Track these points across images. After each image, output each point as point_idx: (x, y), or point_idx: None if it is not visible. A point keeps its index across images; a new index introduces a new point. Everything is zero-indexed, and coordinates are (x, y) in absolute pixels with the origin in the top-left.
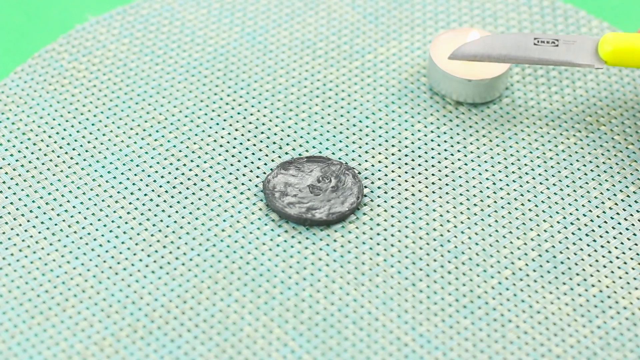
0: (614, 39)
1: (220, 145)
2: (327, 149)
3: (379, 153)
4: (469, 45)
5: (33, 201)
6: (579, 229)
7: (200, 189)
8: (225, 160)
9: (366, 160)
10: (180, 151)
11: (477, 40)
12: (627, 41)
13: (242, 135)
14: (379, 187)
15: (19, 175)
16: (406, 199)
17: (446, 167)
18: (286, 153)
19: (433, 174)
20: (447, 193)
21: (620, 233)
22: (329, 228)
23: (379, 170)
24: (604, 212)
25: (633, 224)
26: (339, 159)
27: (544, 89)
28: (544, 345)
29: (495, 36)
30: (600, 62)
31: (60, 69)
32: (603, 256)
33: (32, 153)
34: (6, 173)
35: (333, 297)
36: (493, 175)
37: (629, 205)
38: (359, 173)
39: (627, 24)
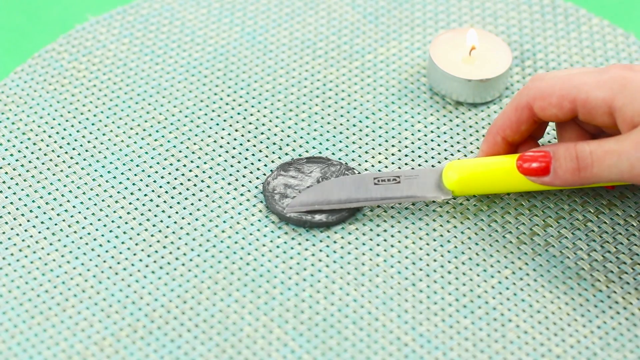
0: (458, 166)
1: (220, 146)
2: (327, 149)
3: (379, 153)
4: (306, 194)
5: (33, 201)
6: (579, 229)
7: (200, 190)
8: (225, 161)
9: (366, 161)
10: (180, 151)
11: (315, 187)
12: (472, 168)
13: (242, 135)
14: None
15: (19, 175)
16: None
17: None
18: (286, 154)
19: None
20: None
21: (620, 233)
22: (329, 229)
23: (379, 171)
24: (603, 212)
25: (633, 225)
26: (339, 159)
27: None
28: (544, 345)
29: (333, 181)
30: (447, 192)
31: (60, 69)
32: (603, 256)
33: (32, 153)
34: (6, 173)
35: (333, 297)
36: None
37: (629, 206)
38: (359, 173)
39: (627, 22)
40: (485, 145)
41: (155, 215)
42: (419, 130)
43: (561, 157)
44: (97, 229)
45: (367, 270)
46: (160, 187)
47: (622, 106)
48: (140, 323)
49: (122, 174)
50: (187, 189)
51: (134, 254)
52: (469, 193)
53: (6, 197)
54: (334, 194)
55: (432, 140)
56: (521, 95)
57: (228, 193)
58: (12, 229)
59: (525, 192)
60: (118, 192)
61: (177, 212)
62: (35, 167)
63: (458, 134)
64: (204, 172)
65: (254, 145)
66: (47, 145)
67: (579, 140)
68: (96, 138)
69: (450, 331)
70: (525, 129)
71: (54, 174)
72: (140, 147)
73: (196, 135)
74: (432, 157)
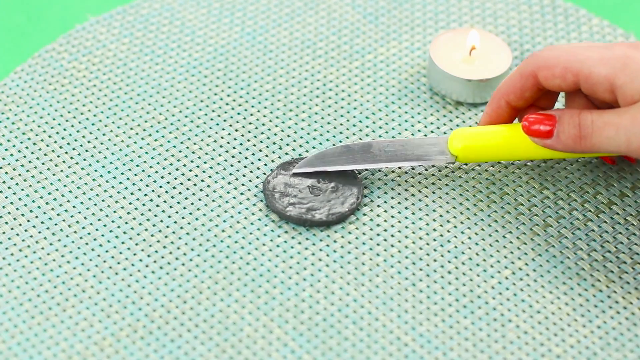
0: (463, 135)
1: (220, 146)
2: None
3: None
4: (314, 156)
5: (33, 201)
6: (579, 228)
7: (200, 189)
8: (225, 160)
9: None
10: (180, 151)
11: (322, 151)
12: (476, 137)
13: (242, 135)
14: (379, 187)
15: (19, 175)
16: (406, 199)
17: (446, 167)
18: (286, 153)
19: (433, 174)
20: (447, 193)
21: (620, 233)
22: (329, 229)
23: (379, 171)
24: (603, 212)
25: (633, 224)
26: None
27: None
28: (544, 345)
29: (340, 146)
30: (452, 157)
31: (60, 69)
32: (603, 256)
33: (32, 153)
34: (6, 173)
35: (333, 297)
36: (493, 175)
37: (629, 205)
38: (359, 173)
39: (627, 22)
40: (489, 108)
41: (155, 215)
42: (419, 130)
43: (565, 122)
44: (97, 229)
45: (367, 270)
46: (160, 187)
47: (622, 84)
48: (140, 323)
49: (122, 174)
50: (187, 189)
51: (134, 254)
52: (472, 160)
53: (6, 197)
54: (341, 158)
55: None
56: (527, 63)
57: (228, 192)
58: (12, 229)
59: (526, 192)
60: (118, 192)
61: (177, 212)
62: (35, 167)
63: None
64: (204, 172)
65: (254, 145)
66: (47, 145)
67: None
68: (96, 138)
69: (450, 331)
70: (529, 95)
71: (54, 174)
72: (140, 147)
73: (196, 135)
74: None
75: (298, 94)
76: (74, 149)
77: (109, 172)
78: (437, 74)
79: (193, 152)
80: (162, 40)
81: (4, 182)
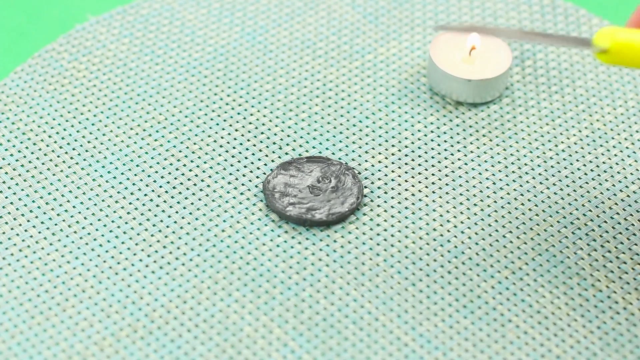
0: (611, 31)
1: (220, 146)
2: (327, 149)
3: (379, 153)
4: (458, 23)
5: (33, 201)
6: (579, 228)
7: (200, 189)
8: (225, 160)
9: (366, 160)
10: (180, 151)
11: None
12: (630, 33)
13: (242, 135)
14: (379, 187)
15: (19, 175)
16: (406, 199)
17: (446, 167)
18: (286, 153)
19: (433, 174)
20: (447, 193)
21: (620, 233)
22: (329, 228)
23: (379, 170)
24: (603, 212)
25: (633, 224)
26: (339, 159)
27: (544, 88)
28: (544, 346)
29: (469, 23)
30: (597, 48)
31: (60, 69)
32: (603, 256)
33: (32, 153)
34: (6, 173)
35: (333, 297)
36: (493, 175)
37: (629, 205)
38: (359, 173)
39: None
40: (635, 16)
41: (155, 215)
42: (419, 130)
43: None
44: (97, 229)
45: (367, 270)
46: (160, 187)
47: None
48: (140, 323)
49: (122, 174)
50: (187, 189)
51: (134, 254)
52: (621, 61)
53: (6, 197)
54: (483, 29)
55: (432, 140)
56: None
57: (228, 192)
58: (12, 229)
59: (526, 191)
60: (118, 192)
61: (177, 212)
62: (35, 167)
63: (458, 133)
64: (204, 172)
65: (254, 145)
66: (47, 145)
67: None
68: (96, 138)
69: (450, 331)
70: None
71: (54, 174)
72: (140, 147)
73: (196, 135)
74: (432, 157)
75: (298, 94)
76: (74, 149)
77: (109, 172)
78: (437, 74)
79: (193, 152)
80: (162, 40)
81: (4, 182)
